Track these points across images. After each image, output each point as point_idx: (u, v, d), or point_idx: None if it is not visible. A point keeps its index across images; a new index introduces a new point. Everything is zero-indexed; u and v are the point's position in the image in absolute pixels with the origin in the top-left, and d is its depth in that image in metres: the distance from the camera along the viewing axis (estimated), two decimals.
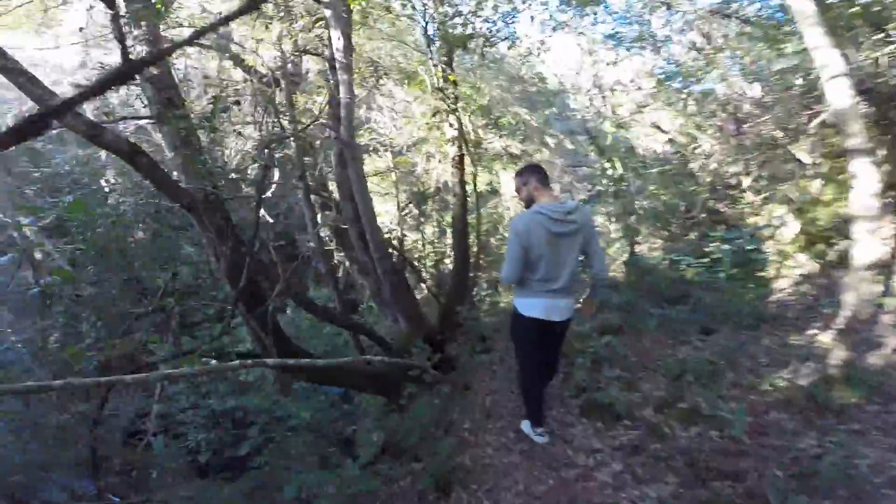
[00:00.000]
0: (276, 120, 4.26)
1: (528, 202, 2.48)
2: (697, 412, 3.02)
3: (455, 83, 6.79)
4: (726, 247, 5.91)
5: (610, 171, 6.36)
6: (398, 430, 3.94)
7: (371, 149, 7.84)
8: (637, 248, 10.25)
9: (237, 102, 4.06)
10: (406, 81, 6.64)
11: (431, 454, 3.22)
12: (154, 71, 3.28)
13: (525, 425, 3.08)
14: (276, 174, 4.99)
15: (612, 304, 5.96)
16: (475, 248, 7.10)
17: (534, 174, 2.48)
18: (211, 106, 4.46)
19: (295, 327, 7.47)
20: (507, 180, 13.45)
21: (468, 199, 6.89)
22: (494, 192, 13.05)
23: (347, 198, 4.93)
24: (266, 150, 4.29)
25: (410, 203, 7.36)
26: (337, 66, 4.40)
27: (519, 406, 3.44)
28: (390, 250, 5.91)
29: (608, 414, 3.19)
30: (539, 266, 2.38)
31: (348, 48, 4.37)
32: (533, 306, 2.49)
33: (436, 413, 4.01)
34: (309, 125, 4.42)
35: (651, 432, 2.95)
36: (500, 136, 9.39)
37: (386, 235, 7.72)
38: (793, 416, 2.85)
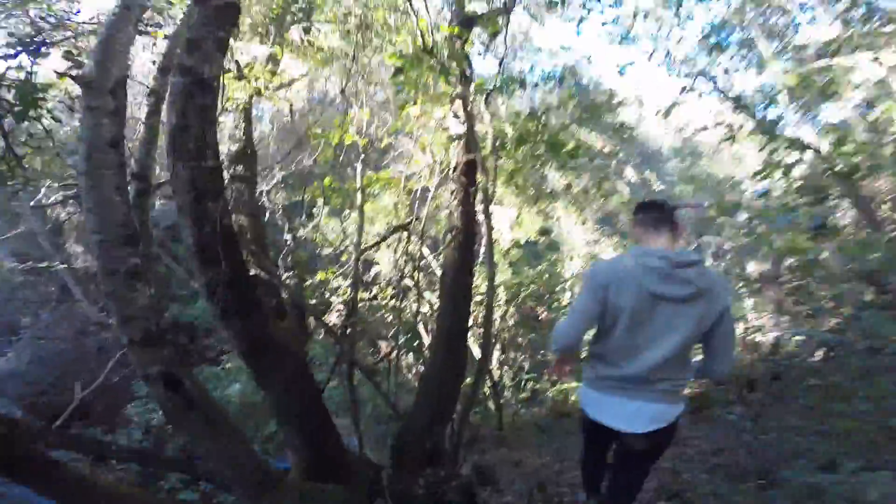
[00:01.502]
0: None
1: None
2: None
3: (465, 55, 4.24)
4: None
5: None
6: None
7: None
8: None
9: None
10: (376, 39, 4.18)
11: None
12: None
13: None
14: None
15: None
16: (489, 321, 4.11)
17: (643, 211, 1.79)
18: None
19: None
20: (571, 228, 10.50)
21: (475, 235, 4.05)
22: (553, 245, 10.00)
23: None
24: None
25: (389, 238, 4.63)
26: None
27: None
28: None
29: None
30: (612, 335, 1.64)
31: None
32: (589, 400, 1.79)
33: None
34: None
35: None
36: (560, 169, 6.60)
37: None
38: None
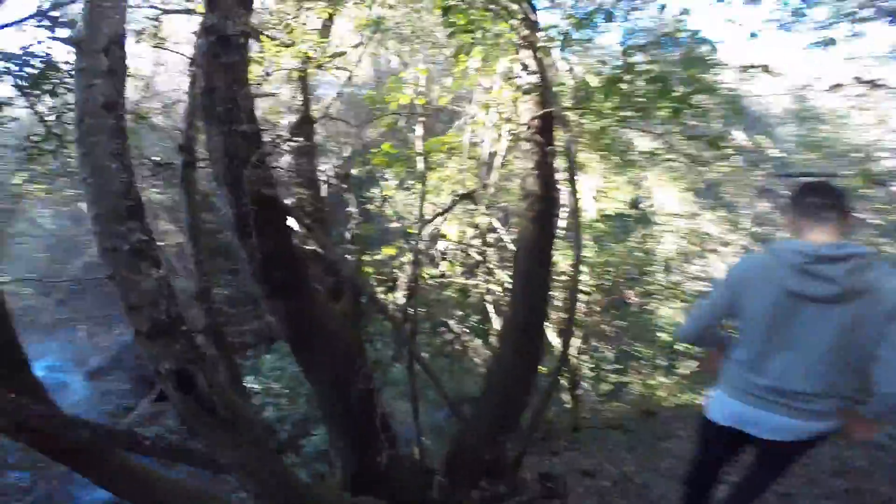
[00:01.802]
0: None
1: None
2: None
3: None
4: None
5: None
6: None
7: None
8: None
9: None
10: None
11: None
12: None
13: None
14: None
15: None
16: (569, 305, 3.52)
17: (803, 197, 1.54)
18: None
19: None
20: (666, 200, 9.28)
21: (555, 203, 3.43)
22: (644, 218, 8.89)
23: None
24: None
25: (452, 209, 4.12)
26: None
27: None
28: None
29: None
30: (749, 338, 1.53)
31: None
32: (719, 405, 1.66)
33: None
34: None
35: None
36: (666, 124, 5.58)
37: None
38: None
